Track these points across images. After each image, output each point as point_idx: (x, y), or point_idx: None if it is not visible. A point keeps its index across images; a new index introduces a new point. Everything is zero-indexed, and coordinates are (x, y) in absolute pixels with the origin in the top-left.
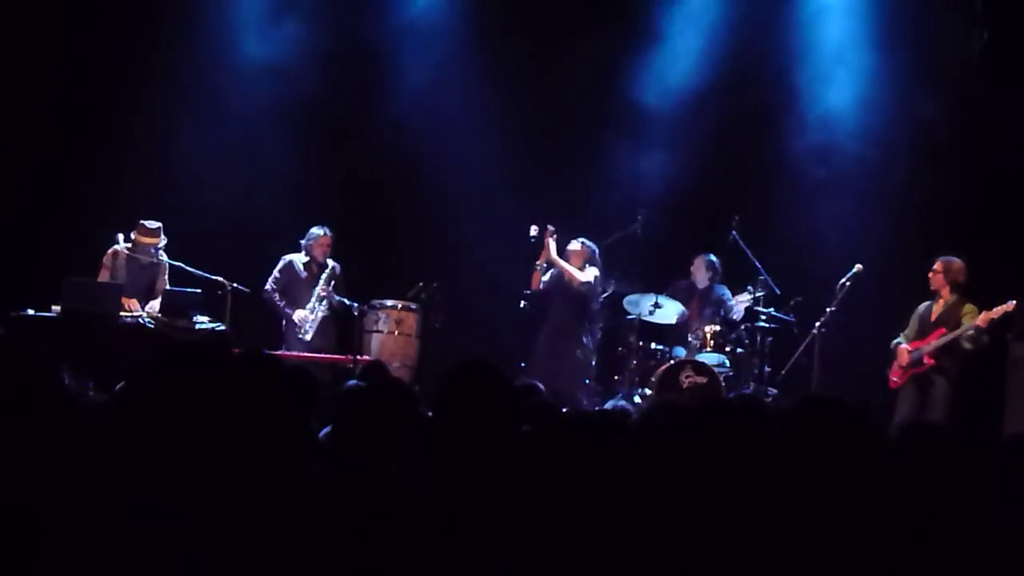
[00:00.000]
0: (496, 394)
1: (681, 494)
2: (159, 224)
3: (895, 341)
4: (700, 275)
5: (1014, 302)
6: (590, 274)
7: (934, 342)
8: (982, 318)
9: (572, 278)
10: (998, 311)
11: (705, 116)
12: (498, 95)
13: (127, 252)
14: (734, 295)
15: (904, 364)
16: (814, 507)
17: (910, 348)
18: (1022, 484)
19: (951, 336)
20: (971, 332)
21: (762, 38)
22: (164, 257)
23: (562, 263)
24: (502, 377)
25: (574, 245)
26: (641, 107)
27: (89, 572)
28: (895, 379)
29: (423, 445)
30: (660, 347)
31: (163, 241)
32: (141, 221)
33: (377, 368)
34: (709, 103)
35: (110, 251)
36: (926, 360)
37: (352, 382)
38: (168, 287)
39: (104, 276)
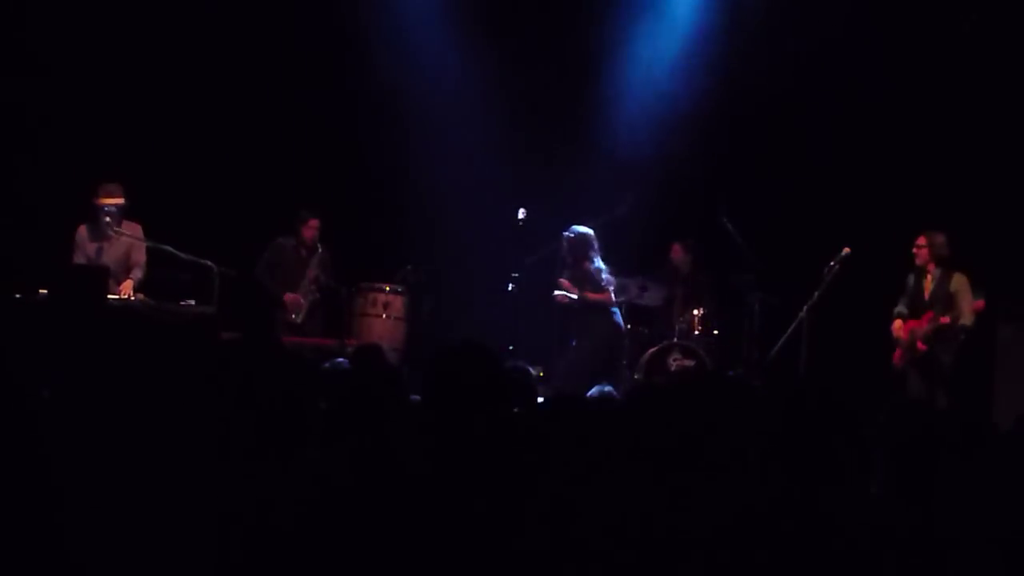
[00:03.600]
0: (488, 377)
1: (669, 473)
2: (117, 183)
3: (896, 310)
4: (681, 260)
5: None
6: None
7: (926, 327)
8: (969, 317)
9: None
10: (979, 305)
11: (692, 97)
12: (485, 77)
13: (92, 226)
14: (721, 278)
15: (903, 346)
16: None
17: (904, 330)
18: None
19: (940, 325)
20: (960, 330)
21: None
22: (140, 231)
23: (588, 298)
24: (494, 359)
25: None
26: (627, 87)
27: (82, 563)
28: (896, 360)
29: (408, 428)
30: (648, 330)
31: (123, 200)
32: (101, 184)
33: (370, 351)
34: (697, 83)
35: (79, 228)
36: (919, 345)
37: (327, 364)
38: (145, 266)
39: (79, 257)
